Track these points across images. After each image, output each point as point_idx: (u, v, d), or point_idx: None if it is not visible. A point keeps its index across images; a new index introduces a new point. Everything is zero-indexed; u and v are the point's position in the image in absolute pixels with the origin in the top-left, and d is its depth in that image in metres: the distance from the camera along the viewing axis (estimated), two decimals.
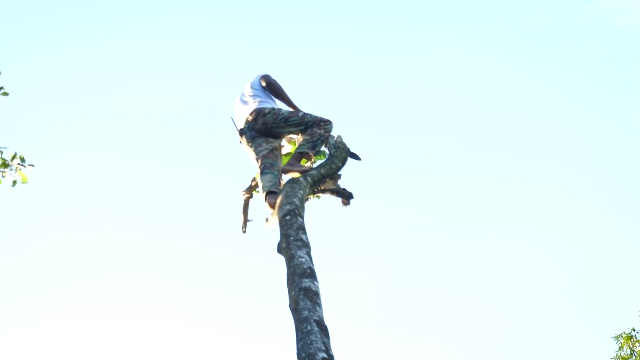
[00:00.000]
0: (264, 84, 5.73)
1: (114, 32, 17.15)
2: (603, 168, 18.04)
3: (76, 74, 16.90)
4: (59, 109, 16.25)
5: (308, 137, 5.45)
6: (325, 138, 5.50)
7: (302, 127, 5.52)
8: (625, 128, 18.02)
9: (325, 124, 5.51)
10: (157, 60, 17.30)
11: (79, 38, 17.04)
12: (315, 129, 5.47)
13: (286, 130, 5.57)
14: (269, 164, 5.41)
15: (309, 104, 5.77)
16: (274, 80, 5.74)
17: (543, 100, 18.09)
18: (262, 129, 5.56)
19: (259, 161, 5.45)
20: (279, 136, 5.66)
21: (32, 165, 6.93)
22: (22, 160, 6.92)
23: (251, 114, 5.61)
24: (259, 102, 5.66)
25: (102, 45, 17.23)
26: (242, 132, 5.67)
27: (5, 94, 6.78)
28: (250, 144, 5.57)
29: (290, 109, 5.65)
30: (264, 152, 5.49)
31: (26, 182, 6.89)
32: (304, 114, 5.55)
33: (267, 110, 5.56)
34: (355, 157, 5.59)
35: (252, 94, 5.75)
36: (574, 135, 18.02)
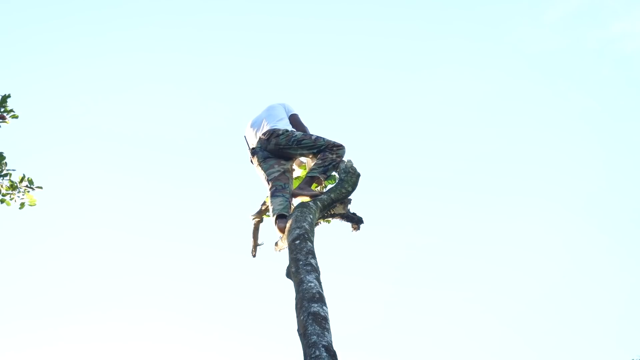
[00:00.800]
0: (289, 119, 5.73)
1: (90, 42, 17.15)
2: (610, 190, 17.89)
3: (54, 87, 16.90)
4: (41, 126, 16.23)
5: (320, 162, 5.41)
6: (337, 163, 5.45)
7: (315, 151, 5.48)
8: (634, 152, 17.93)
9: (338, 148, 5.46)
10: (143, 70, 17.32)
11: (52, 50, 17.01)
12: (327, 154, 5.42)
13: (298, 152, 5.53)
14: (280, 186, 5.36)
15: (316, 121, 5.77)
16: (301, 123, 5.73)
17: (552, 123, 18.06)
18: (275, 150, 5.53)
19: (270, 183, 5.41)
20: (291, 158, 5.62)
21: (40, 188, 6.92)
22: (31, 182, 6.91)
23: (264, 134, 5.60)
24: (274, 123, 5.64)
25: (80, 56, 17.20)
26: (254, 152, 5.65)
27: (15, 116, 6.79)
28: (261, 164, 5.54)
29: (304, 132, 5.62)
30: (276, 174, 5.45)
31: (34, 204, 6.88)
32: (317, 137, 5.52)
33: (280, 132, 5.54)
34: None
35: (269, 115, 5.74)
36: (582, 157, 17.94)
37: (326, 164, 5.40)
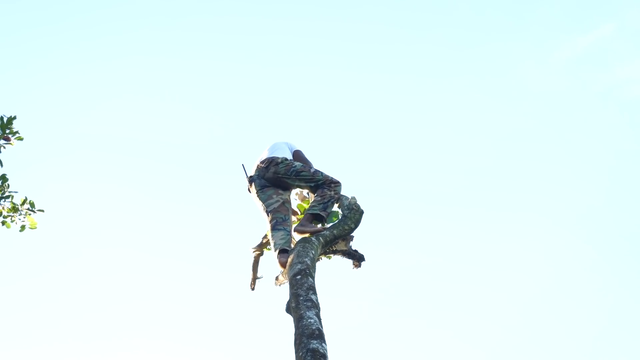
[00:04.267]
0: (293, 154, 5.75)
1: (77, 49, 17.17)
2: (604, 208, 17.80)
3: (45, 98, 16.88)
4: (35, 138, 16.18)
5: (319, 199, 5.41)
6: (336, 200, 5.45)
7: (312, 184, 5.49)
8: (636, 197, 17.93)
9: (335, 185, 5.47)
10: (131, 77, 17.33)
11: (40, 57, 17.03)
12: (325, 190, 5.42)
13: (296, 183, 5.53)
14: (280, 219, 5.35)
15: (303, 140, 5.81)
16: (305, 158, 5.76)
17: (555, 164, 18.12)
18: (273, 178, 5.53)
19: (270, 215, 5.39)
20: (288, 188, 5.61)
21: (42, 211, 6.91)
22: (32, 205, 6.90)
23: (263, 162, 5.62)
24: (274, 153, 5.66)
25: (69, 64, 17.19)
26: (251, 180, 5.65)
27: (20, 138, 6.80)
28: (259, 194, 5.53)
29: (303, 163, 5.63)
30: (275, 206, 5.44)
31: (35, 227, 6.86)
32: (316, 170, 5.54)
33: (279, 160, 5.55)
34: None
35: (271, 150, 5.75)
36: (579, 176, 17.91)
37: (325, 200, 5.40)
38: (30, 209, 6.85)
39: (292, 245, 5.18)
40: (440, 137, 17.84)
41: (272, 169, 5.53)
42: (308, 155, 5.87)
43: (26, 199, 6.89)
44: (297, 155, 5.77)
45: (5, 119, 6.68)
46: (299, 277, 4.61)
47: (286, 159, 5.58)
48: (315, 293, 4.49)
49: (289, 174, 5.50)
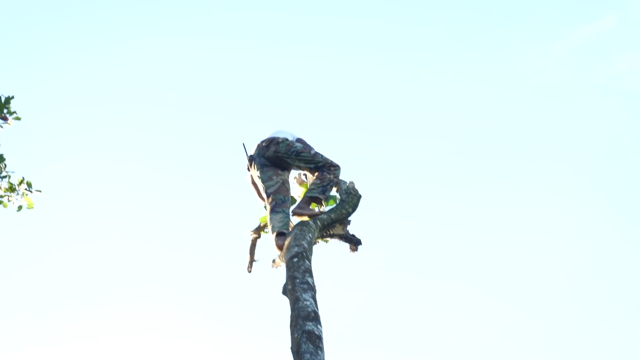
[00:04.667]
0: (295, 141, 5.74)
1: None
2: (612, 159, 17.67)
3: (69, 76, 16.81)
4: (53, 114, 16.11)
5: (318, 182, 5.40)
6: (335, 183, 5.45)
7: (312, 166, 5.48)
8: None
9: (335, 169, 5.47)
10: (152, 61, 17.26)
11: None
12: (325, 174, 5.42)
13: (296, 163, 5.53)
14: (280, 200, 5.35)
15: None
16: (307, 144, 5.75)
17: (551, 155, 18.08)
18: (273, 157, 5.52)
19: (270, 197, 5.39)
20: (287, 168, 5.61)
21: (40, 191, 6.90)
22: (29, 185, 6.89)
23: (264, 141, 5.61)
24: (277, 135, 5.65)
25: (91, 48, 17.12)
26: (251, 159, 5.65)
27: (18, 118, 6.78)
28: (259, 172, 5.53)
29: (303, 145, 5.63)
30: (275, 187, 5.44)
31: (32, 207, 6.86)
32: (316, 152, 5.53)
33: (280, 139, 5.56)
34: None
35: (274, 132, 5.75)
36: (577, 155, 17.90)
37: (324, 183, 5.40)
38: (28, 189, 6.84)
39: (290, 229, 5.17)
40: (441, 127, 17.82)
41: (273, 148, 5.53)
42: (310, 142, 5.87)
43: (23, 179, 6.88)
44: (300, 141, 5.77)
45: (2, 99, 6.65)
46: (295, 259, 4.61)
47: (287, 139, 5.58)
48: (311, 276, 4.50)
49: (289, 153, 5.50)
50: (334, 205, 5.46)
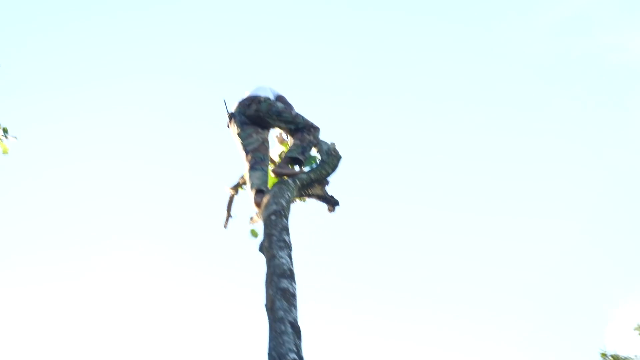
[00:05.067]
0: (276, 99, 5.67)
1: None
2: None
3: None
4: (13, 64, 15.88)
5: (298, 142, 5.39)
6: (314, 144, 5.44)
7: (292, 126, 5.47)
8: (615, 169, 18.08)
9: (315, 130, 5.48)
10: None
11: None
12: (305, 135, 5.41)
13: (276, 123, 5.51)
14: (259, 158, 5.32)
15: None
16: (288, 102, 5.69)
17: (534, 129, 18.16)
18: (254, 116, 5.48)
19: (250, 155, 5.35)
20: (267, 127, 5.56)
21: (15, 138, 6.80)
22: (5, 131, 6.79)
23: (246, 99, 5.57)
24: (257, 93, 5.59)
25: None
26: (232, 116, 5.59)
27: None
28: (239, 130, 5.47)
29: (284, 105, 5.58)
30: (255, 145, 5.40)
31: (6, 153, 6.77)
32: (297, 114, 5.52)
33: (262, 99, 5.52)
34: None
35: (255, 90, 5.67)
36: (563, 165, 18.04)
37: (304, 144, 5.39)
38: (4, 134, 6.74)
39: (269, 187, 5.15)
40: (423, 98, 17.76)
41: (254, 107, 5.48)
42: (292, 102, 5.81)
43: None
44: (281, 99, 5.71)
45: None
46: (273, 217, 4.61)
47: (269, 98, 5.53)
48: (288, 234, 4.51)
49: (270, 113, 5.46)
50: (314, 165, 5.44)
